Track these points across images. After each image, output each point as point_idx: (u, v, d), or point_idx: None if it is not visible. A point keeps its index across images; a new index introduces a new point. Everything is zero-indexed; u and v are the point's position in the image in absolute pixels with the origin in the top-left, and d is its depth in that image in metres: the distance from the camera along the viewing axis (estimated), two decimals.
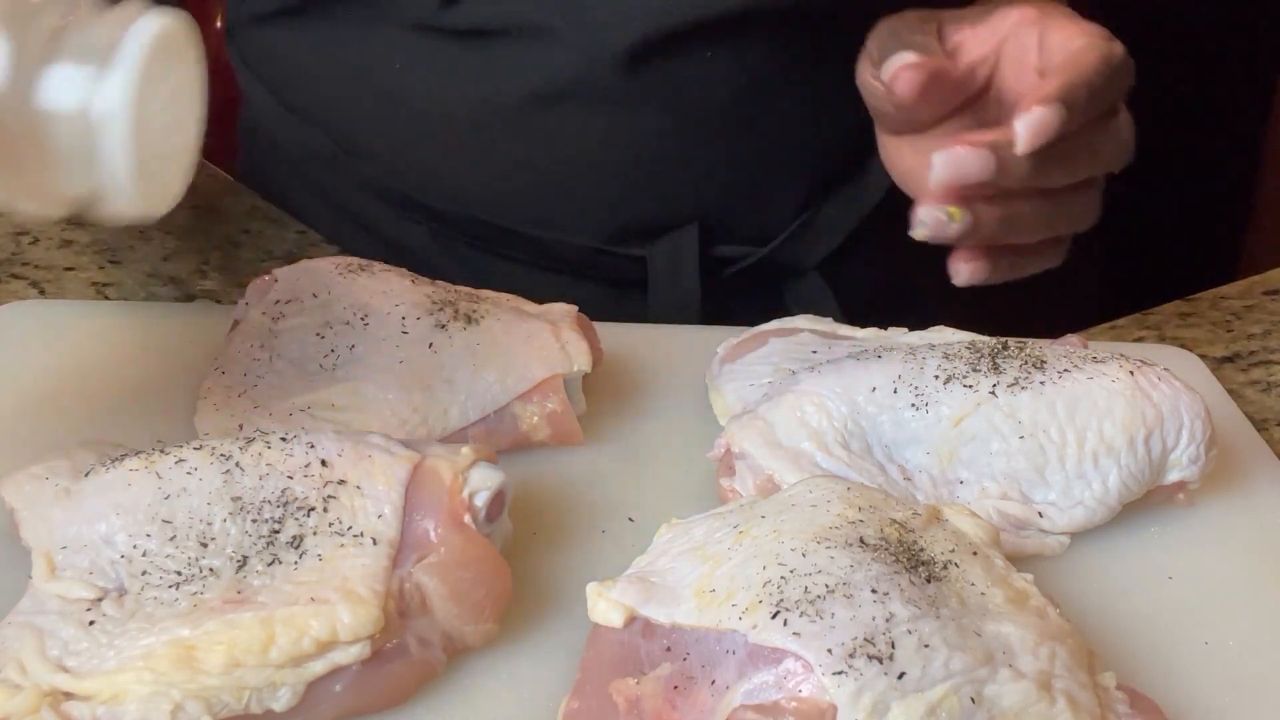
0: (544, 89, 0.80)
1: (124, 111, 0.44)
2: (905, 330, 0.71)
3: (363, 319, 0.65)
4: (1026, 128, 0.61)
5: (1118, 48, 0.66)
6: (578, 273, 0.88)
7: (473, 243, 0.88)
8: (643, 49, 0.78)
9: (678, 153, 0.83)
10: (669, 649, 0.48)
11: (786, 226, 0.89)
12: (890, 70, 0.65)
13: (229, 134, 1.01)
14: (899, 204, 0.81)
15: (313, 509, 0.52)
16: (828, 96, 0.85)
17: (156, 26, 0.45)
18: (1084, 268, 0.79)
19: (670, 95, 0.81)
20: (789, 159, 0.87)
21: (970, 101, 0.69)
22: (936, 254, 0.80)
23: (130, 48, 0.45)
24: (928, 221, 0.63)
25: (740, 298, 0.88)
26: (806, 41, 0.82)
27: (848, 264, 0.92)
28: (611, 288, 0.88)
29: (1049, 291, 0.81)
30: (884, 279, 0.94)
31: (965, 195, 0.63)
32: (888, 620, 0.45)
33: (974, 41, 0.70)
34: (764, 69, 0.82)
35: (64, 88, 0.44)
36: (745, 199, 0.87)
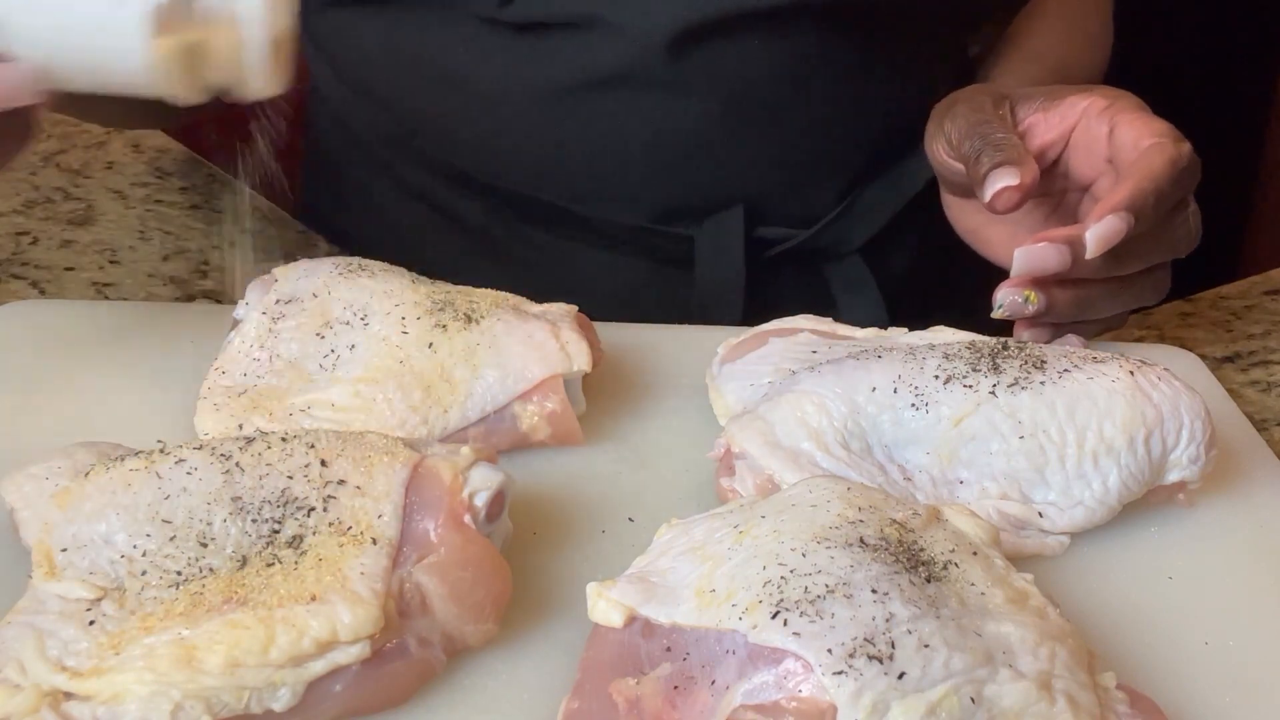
0: (594, 75, 0.83)
1: (262, 11, 0.58)
2: (905, 330, 0.71)
3: (363, 319, 0.65)
4: (1095, 237, 0.66)
5: (1185, 148, 0.71)
6: (626, 250, 0.90)
7: (526, 218, 0.91)
8: (687, 36, 0.81)
9: (723, 136, 0.85)
10: (669, 649, 0.48)
11: (830, 209, 0.91)
12: (991, 190, 0.70)
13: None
14: (940, 191, 0.84)
15: (313, 509, 0.52)
16: (871, 82, 0.87)
17: None
18: None
19: (715, 81, 0.83)
20: (833, 143, 0.89)
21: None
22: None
23: None
24: (1005, 303, 0.69)
25: (784, 279, 0.91)
26: (850, 28, 0.85)
27: (889, 247, 0.93)
28: (659, 265, 0.90)
29: None
30: (924, 263, 0.95)
31: (1041, 280, 0.69)
32: (888, 620, 0.45)
33: (1045, 126, 0.76)
34: (808, 55, 0.84)
35: None
36: (789, 182, 0.89)
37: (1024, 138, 0.75)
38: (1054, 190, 0.78)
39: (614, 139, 0.85)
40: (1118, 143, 0.72)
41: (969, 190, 0.75)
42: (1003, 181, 0.70)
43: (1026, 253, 0.67)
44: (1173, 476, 0.62)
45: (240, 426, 0.62)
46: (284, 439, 0.54)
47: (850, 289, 0.91)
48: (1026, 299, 0.68)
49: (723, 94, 0.84)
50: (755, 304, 0.87)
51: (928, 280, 0.94)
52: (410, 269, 0.70)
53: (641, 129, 0.85)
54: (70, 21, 0.56)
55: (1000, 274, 0.76)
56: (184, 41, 0.57)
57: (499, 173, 0.89)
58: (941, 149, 0.76)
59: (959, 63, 0.95)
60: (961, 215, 0.80)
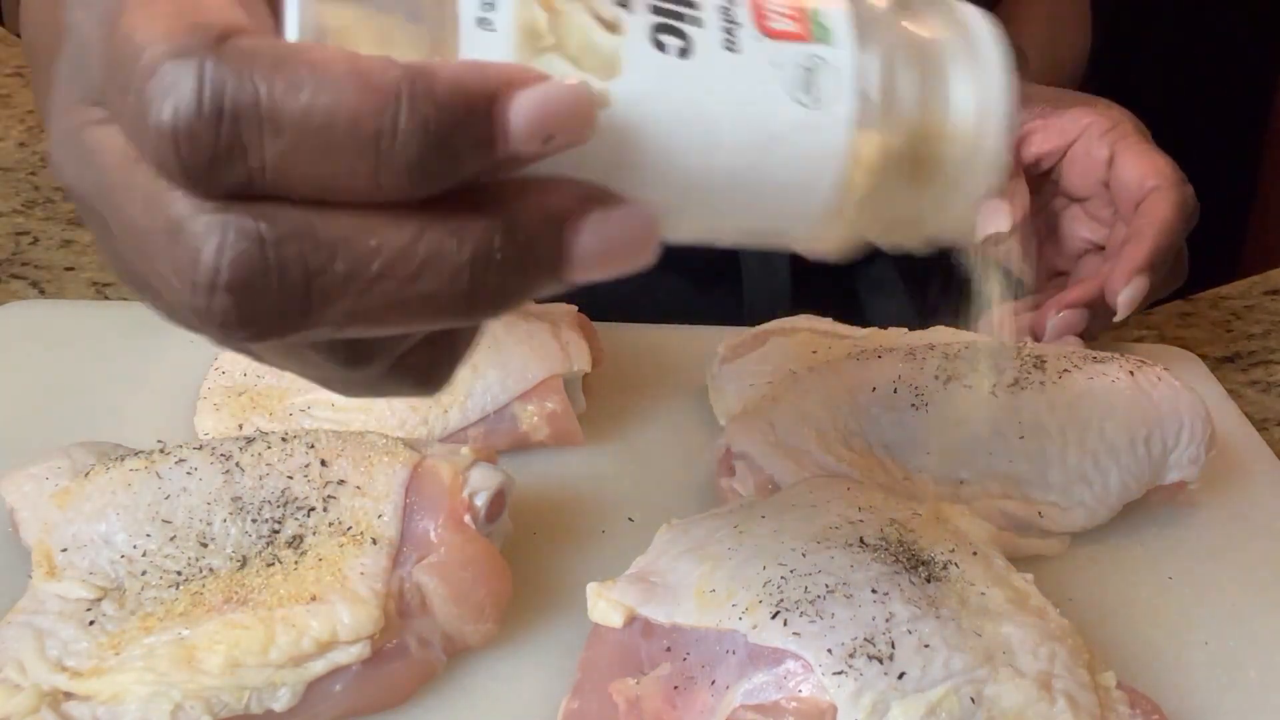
0: None
1: (1005, 112, 0.36)
2: (905, 330, 0.71)
3: None
4: (1126, 301, 0.71)
5: (1188, 191, 0.73)
6: (666, 265, 0.89)
7: None
8: None
9: None
10: (669, 649, 0.48)
11: None
12: (981, 232, 0.72)
13: None
14: None
15: (313, 509, 0.52)
16: None
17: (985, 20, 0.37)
18: None
19: None
20: None
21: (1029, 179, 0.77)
22: None
23: (989, 40, 0.36)
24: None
25: (814, 285, 0.90)
26: None
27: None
28: (702, 283, 0.90)
29: None
30: (944, 259, 0.97)
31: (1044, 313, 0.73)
32: (888, 620, 0.45)
33: (1044, 135, 0.78)
34: None
35: (960, 93, 0.36)
36: None
37: (1021, 142, 0.77)
38: (1042, 192, 0.79)
39: None
40: (1120, 178, 0.74)
41: None
42: (992, 228, 0.72)
43: (1058, 323, 0.72)
44: (1173, 476, 0.62)
45: (240, 426, 0.62)
46: (284, 439, 0.54)
47: (877, 290, 0.91)
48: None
49: None
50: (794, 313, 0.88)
51: (947, 276, 0.96)
52: None
53: None
54: (747, 139, 0.34)
55: None
56: (886, 154, 0.35)
57: None
58: None
59: None
60: None
